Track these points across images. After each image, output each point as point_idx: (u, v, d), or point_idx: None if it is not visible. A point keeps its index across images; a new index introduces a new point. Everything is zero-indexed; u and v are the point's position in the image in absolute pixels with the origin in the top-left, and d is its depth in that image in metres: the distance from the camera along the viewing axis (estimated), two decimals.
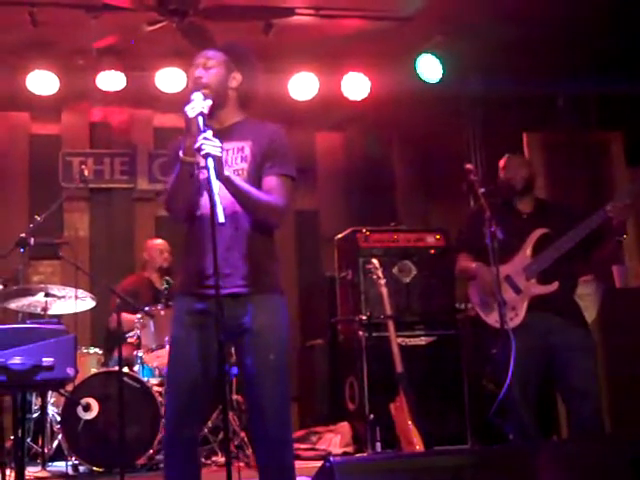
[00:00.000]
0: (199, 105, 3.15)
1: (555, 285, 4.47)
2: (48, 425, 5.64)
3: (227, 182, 3.13)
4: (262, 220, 3.30)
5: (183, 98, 3.27)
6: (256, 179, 3.29)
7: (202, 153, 3.03)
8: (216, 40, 5.95)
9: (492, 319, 4.52)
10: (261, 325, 3.23)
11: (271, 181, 3.30)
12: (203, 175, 3.20)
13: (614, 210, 4.34)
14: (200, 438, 5.85)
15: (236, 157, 3.30)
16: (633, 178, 4.70)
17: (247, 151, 3.31)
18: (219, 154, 3.06)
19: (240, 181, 3.21)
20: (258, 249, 3.30)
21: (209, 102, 3.20)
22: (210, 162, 3.01)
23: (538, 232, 4.58)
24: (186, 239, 3.37)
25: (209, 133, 3.07)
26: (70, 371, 4.32)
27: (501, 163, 4.82)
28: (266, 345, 3.22)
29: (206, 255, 3.20)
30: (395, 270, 6.40)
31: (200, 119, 3.12)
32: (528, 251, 4.58)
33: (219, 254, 2.99)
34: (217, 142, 3.06)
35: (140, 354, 5.86)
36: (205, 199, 3.20)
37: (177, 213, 3.33)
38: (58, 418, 5.56)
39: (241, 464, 5.23)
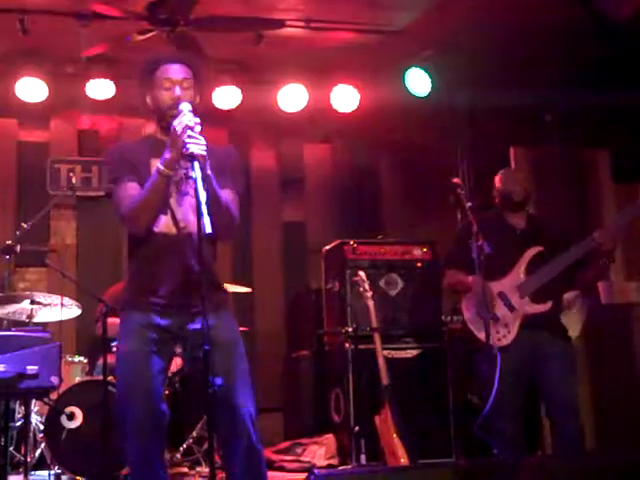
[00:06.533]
0: (187, 120, 3.12)
1: (548, 305, 4.51)
2: (31, 434, 5.60)
3: (208, 181, 3.11)
4: (222, 227, 3.23)
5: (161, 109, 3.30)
6: None
7: (187, 152, 3.04)
8: (204, 51, 5.98)
9: (484, 335, 4.54)
10: (228, 337, 3.28)
11: (229, 195, 3.33)
12: (174, 185, 3.24)
13: (601, 238, 4.39)
14: (184, 449, 5.90)
15: None
16: (621, 208, 4.73)
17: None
18: (204, 152, 3.06)
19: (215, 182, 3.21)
20: (214, 264, 3.38)
21: (197, 120, 3.15)
22: (196, 166, 3.00)
23: (532, 250, 4.60)
24: (143, 255, 3.32)
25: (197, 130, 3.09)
26: (54, 379, 4.32)
27: (497, 177, 4.83)
28: (236, 355, 3.28)
29: (168, 270, 3.22)
30: (382, 283, 6.40)
31: (189, 132, 3.11)
32: (522, 269, 4.59)
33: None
34: (202, 140, 3.07)
35: None
36: (168, 216, 3.24)
37: (140, 227, 3.27)
38: (41, 427, 5.52)
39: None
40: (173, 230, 3.25)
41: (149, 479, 3.21)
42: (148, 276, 3.30)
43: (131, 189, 3.27)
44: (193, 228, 3.04)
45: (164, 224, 3.26)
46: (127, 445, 3.20)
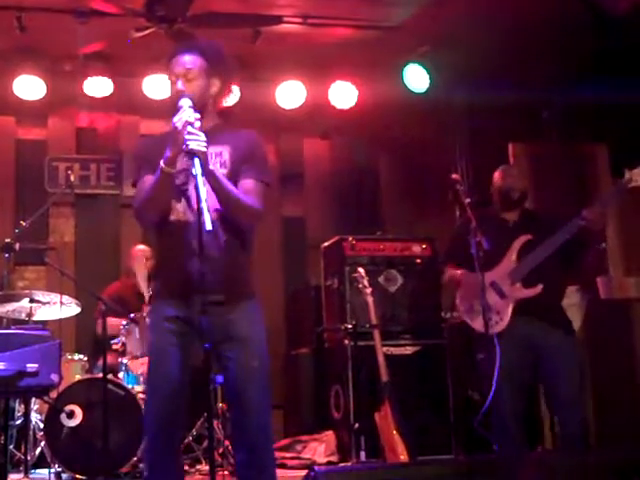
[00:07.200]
0: (187, 116, 3.09)
1: (539, 288, 4.49)
2: (31, 432, 5.59)
3: (211, 177, 3.10)
4: (238, 220, 3.26)
5: (169, 106, 3.25)
6: (234, 184, 3.25)
7: (187, 149, 3.01)
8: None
9: (477, 324, 4.54)
10: (245, 332, 3.23)
11: (249, 184, 3.28)
12: (179, 180, 3.20)
13: (588, 217, 4.39)
14: (184, 446, 5.90)
15: (215, 162, 3.25)
16: (609, 188, 4.77)
17: (226, 156, 3.28)
18: (204, 149, 3.03)
19: (223, 177, 3.18)
20: (238, 256, 3.31)
21: (197, 115, 3.10)
22: (197, 162, 2.98)
23: (522, 238, 4.61)
24: (162, 244, 3.35)
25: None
26: (54, 377, 4.30)
27: (497, 174, 4.82)
28: (250, 352, 3.23)
29: (188, 261, 3.16)
30: (381, 279, 6.40)
31: (189, 128, 3.08)
32: (513, 257, 4.61)
33: (201, 261, 2.99)
34: (202, 136, 3.04)
35: (125, 361, 5.84)
36: (183, 204, 3.22)
37: (147, 221, 3.33)
38: (41, 425, 5.52)
39: (225, 472, 5.21)
40: (190, 217, 3.20)
41: (161, 473, 3.20)
42: (170, 267, 3.30)
43: (145, 183, 3.27)
44: (209, 214, 2.95)
45: (180, 211, 3.23)
46: (144, 437, 3.24)
